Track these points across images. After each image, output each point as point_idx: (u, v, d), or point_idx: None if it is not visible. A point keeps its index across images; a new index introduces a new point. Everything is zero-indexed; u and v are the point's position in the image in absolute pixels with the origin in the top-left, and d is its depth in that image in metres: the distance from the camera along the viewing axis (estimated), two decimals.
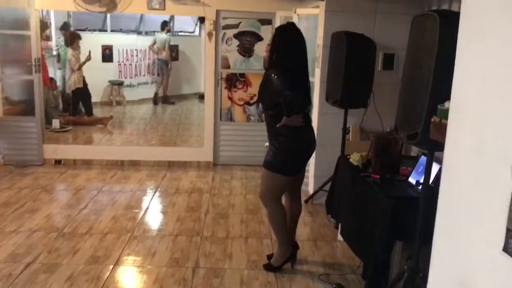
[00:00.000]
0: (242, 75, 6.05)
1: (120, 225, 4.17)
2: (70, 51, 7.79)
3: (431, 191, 2.67)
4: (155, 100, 10.28)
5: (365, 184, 3.28)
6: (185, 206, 4.69)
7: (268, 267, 3.45)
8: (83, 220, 4.24)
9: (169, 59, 10.31)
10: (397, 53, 4.72)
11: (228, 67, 6.00)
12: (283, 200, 3.49)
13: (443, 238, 1.78)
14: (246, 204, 4.81)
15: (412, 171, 3.37)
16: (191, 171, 5.93)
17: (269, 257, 3.58)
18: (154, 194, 5.02)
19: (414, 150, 4.11)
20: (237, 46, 5.96)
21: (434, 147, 2.39)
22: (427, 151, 2.55)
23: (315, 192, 4.85)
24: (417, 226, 2.63)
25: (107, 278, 3.29)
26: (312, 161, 4.95)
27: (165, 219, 4.36)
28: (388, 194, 2.96)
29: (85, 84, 8.02)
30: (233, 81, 6.06)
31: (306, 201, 4.91)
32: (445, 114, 2.11)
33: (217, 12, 5.79)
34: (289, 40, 3.20)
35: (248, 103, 6.12)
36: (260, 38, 5.96)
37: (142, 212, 4.50)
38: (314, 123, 4.85)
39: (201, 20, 11.56)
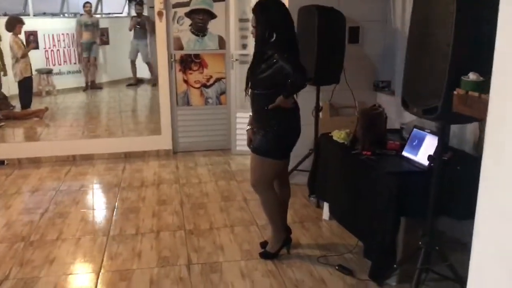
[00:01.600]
0: (197, 56, 5.76)
1: (92, 226, 3.85)
2: (11, 38, 7.07)
3: (445, 165, 2.65)
4: (86, 87, 9.77)
5: (359, 161, 3.22)
6: (156, 199, 4.42)
7: (265, 255, 3.32)
8: (49, 225, 3.85)
9: (95, 43, 9.78)
10: (362, 25, 4.68)
11: (181, 48, 5.69)
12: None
13: (486, 217, 1.72)
14: (220, 192, 4.62)
15: (399, 145, 3.36)
16: (151, 161, 5.62)
17: (263, 244, 3.45)
18: (119, 189, 4.68)
19: (392, 123, 4.10)
20: (189, 26, 5.65)
21: (455, 120, 2.35)
22: (446, 124, 2.49)
23: (289, 172, 4.74)
24: (430, 201, 2.60)
25: (97, 287, 3.00)
26: None
27: (140, 215, 4.07)
28: (390, 171, 2.92)
29: (31, 73, 7.39)
30: (188, 63, 5.76)
31: None
32: (471, 85, 2.06)
33: None
34: (280, 14, 3.02)
35: (205, 85, 5.86)
36: (213, 16, 5.68)
37: (112, 210, 4.17)
38: None
39: None
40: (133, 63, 10.12)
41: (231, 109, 5.88)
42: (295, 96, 3.14)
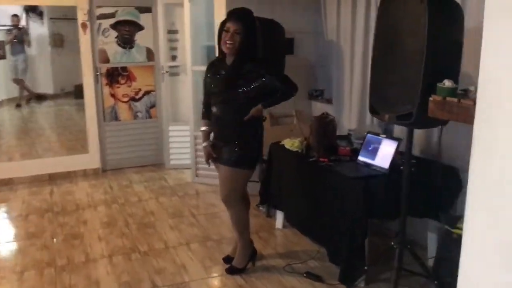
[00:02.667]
0: (125, 68, 5.52)
1: (33, 258, 3.49)
2: None
3: (414, 166, 2.80)
4: None
5: (319, 168, 3.30)
6: (98, 222, 4.14)
7: (232, 271, 3.26)
8: None
9: None
10: (295, 36, 4.81)
11: (108, 61, 5.42)
12: None
13: (476, 215, 1.83)
14: (164, 209, 4.46)
15: (350, 150, 3.50)
16: (79, 181, 5.26)
17: (226, 260, 3.38)
18: (53, 215, 4.31)
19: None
20: (115, 38, 5.41)
21: (427, 125, 2.50)
22: (417, 129, 2.63)
23: None
24: (402, 202, 2.74)
25: None
26: None
27: (85, 240, 3.78)
28: (356, 176, 3.02)
29: None
30: (115, 76, 5.50)
31: None
32: (447, 92, 2.21)
33: (90, 0, 5.15)
34: (256, 26, 3.01)
35: (133, 99, 5.63)
36: (140, 27, 5.49)
37: (52, 238, 3.83)
38: None
39: (29, 9, 10.19)
40: (17, 81, 9.12)
41: (162, 122, 5.72)
42: None
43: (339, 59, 4.40)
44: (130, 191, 4.95)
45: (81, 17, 5.12)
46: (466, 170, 3.10)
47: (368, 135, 3.36)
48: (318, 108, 4.83)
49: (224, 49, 3.00)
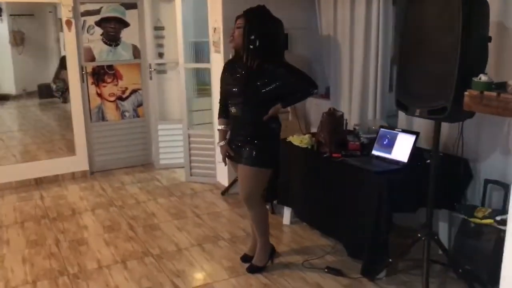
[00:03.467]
0: (111, 67, 5.36)
1: (42, 268, 3.34)
2: None
3: (442, 159, 2.87)
4: None
5: (336, 164, 3.32)
6: (101, 227, 4.01)
7: (253, 269, 3.23)
8: None
9: None
10: (289, 32, 4.80)
11: (93, 59, 5.24)
12: None
13: None
14: (166, 210, 4.37)
15: (359, 145, 3.55)
16: (68, 184, 5.08)
17: (244, 258, 3.36)
18: (50, 221, 4.14)
19: None
20: (100, 35, 5.23)
21: (458, 119, 2.56)
22: (451, 123, 2.68)
23: (234, 181, 4.68)
24: (429, 194, 2.80)
25: None
26: None
27: (92, 246, 3.65)
28: (379, 170, 3.06)
29: None
30: (101, 75, 5.33)
31: (223, 193, 4.72)
32: (484, 86, 2.27)
33: None
34: (274, 24, 2.98)
35: (120, 98, 5.47)
36: (126, 24, 5.34)
37: (56, 245, 3.67)
38: None
39: None
40: None
41: (150, 121, 5.60)
42: None
43: (337, 54, 4.43)
44: (125, 193, 4.82)
45: (66, 14, 4.91)
46: (475, 161, 3.21)
47: (381, 129, 3.42)
48: (314, 104, 4.86)
49: (231, 44, 3.06)
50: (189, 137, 5.05)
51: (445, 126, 3.40)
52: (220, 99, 3.23)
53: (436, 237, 2.85)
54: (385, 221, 2.98)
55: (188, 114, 5.02)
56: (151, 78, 5.45)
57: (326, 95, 4.80)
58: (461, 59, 2.35)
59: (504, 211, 2.99)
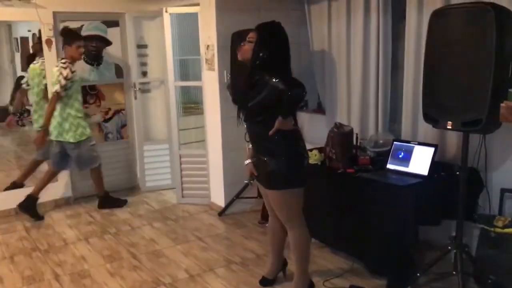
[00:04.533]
0: (93, 87, 5.12)
1: None
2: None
3: (470, 172, 2.88)
4: None
5: (354, 180, 3.28)
6: (100, 256, 3.76)
7: None
8: None
9: None
10: None
11: None
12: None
13: None
14: (166, 234, 4.17)
15: (370, 159, 3.54)
16: (53, 213, 4.78)
17: (264, 282, 3.24)
18: (42, 254, 3.84)
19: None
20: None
21: (490, 130, 2.58)
22: (483, 134, 2.69)
23: (231, 201, 4.55)
24: (459, 206, 2.80)
25: None
26: (219, 169, 4.62)
27: (94, 277, 3.41)
28: (403, 184, 3.04)
29: None
30: (83, 95, 5.06)
31: (220, 214, 4.57)
32: None
33: (54, 14, 4.71)
34: (281, 38, 2.88)
35: (104, 120, 5.23)
36: (108, 43, 5.14)
37: (57, 280, 3.40)
38: (217, 130, 4.54)
39: None
40: None
41: (135, 142, 5.38)
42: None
43: (332, 68, 4.42)
44: (116, 219, 4.58)
45: (46, 33, 4.66)
46: (487, 171, 3.25)
47: (396, 143, 3.42)
48: (307, 119, 4.83)
49: (239, 56, 2.95)
50: (180, 158, 4.87)
51: (452, 137, 3.46)
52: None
53: (466, 249, 2.84)
54: (412, 235, 2.96)
55: (178, 134, 4.86)
56: (136, 98, 5.25)
57: (319, 110, 4.78)
58: (495, 72, 2.37)
59: None
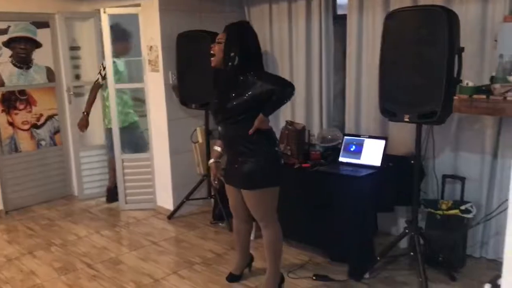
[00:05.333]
0: (23, 92, 4.81)
1: None
2: None
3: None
4: None
5: (312, 174, 3.44)
6: (59, 269, 3.57)
7: None
8: None
9: None
10: None
11: (2, 84, 4.66)
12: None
13: None
14: (118, 241, 4.06)
15: (320, 154, 3.74)
16: None
17: (231, 278, 3.29)
18: None
19: None
20: (9, 57, 4.68)
21: (444, 121, 2.85)
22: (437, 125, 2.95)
23: (181, 204, 4.52)
24: (413, 192, 3.06)
25: None
26: (165, 172, 4.57)
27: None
28: (362, 175, 3.25)
29: None
30: (12, 101, 4.75)
31: (170, 217, 4.52)
32: (472, 90, 2.60)
33: None
34: (255, 41, 2.93)
35: (35, 126, 4.93)
36: (38, 45, 4.85)
37: None
38: (163, 132, 4.49)
39: None
40: None
41: (70, 149, 5.14)
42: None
43: (275, 70, 4.55)
44: (59, 229, 4.35)
45: None
46: (428, 159, 3.56)
47: (346, 137, 3.63)
48: None
49: (212, 59, 2.93)
50: (122, 162, 4.74)
51: (393, 130, 3.75)
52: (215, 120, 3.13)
53: (422, 231, 3.11)
54: (372, 222, 3.18)
55: (120, 138, 4.73)
56: (70, 102, 5.02)
57: None
58: (448, 69, 2.64)
59: (463, 201, 3.39)
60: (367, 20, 3.83)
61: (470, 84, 2.61)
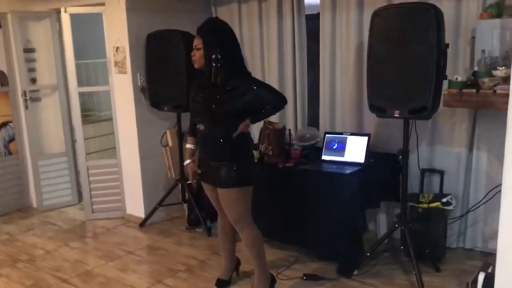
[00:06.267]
0: None
1: None
2: None
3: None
4: None
5: (298, 173, 3.41)
6: (30, 286, 3.30)
7: None
8: None
9: None
10: None
11: None
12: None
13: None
14: (91, 253, 3.84)
15: (300, 153, 3.73)
16: None
17: (220, 284, 3.19)
18: None
19: None
20: None
21: (431, 116, 2.90)
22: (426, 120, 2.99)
23: (154, 210, 4.34)
24: (402, 187, 3.11)
25: None
26: (135, 179, 4.38)
27: None
28: (349, 172, 3.26)
29: None
30: None
31: (142, 225, 4.34)
32: (461, 85, 2.68)
33: None
34: (233, 35, 2.87)
35: None
36: None
37: None
38: (133, 136, 4.31)
39: None
40: None
41: (27, 158, 4.82)
42: None
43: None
44: (22, 244, 4.05)
45: None
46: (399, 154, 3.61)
47: (328, 135, 3.64)
48: None
49: (195, 65, 2.86)
50: (88, 170, 4.50)
51: (370, 126, 3.81)
52: (190, 118, 3.04)
53: (410, 225, 3.16)
54: (361, 218, 3.19)
55: (84, 144, 4.48)
56: (27, 108, 4.69)
57: None
58: (437, 64, 2.70)
59: (443, 194, 3.49)
60: (340, 17, 3.86)
61: (460, 78, 2.68)
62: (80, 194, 5.03)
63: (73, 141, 4.94)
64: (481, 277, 2.63)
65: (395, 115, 2.88)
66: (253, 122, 2.90)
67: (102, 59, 4.54)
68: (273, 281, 3.11)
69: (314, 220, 3.33)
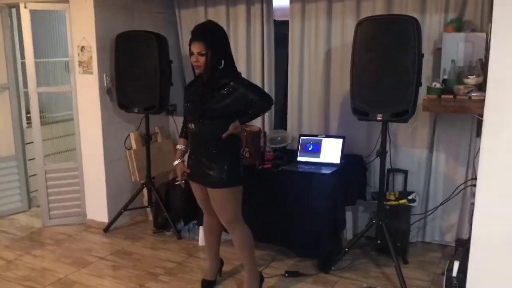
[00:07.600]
0: None
1: None
2: None
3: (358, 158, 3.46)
4: None
5: (277, 174, 3.52)
6: None
7: None
8: None
9: None
10: None
11: None
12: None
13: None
14: (58, 260, 3.66)
15: (274, 155, 3.86)
16: None
17: (207, 285, 3.21)
18: None
19: None
20: None
21: (408, 119, 3.14)
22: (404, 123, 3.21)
23: (119, 214, 4.23)
24: (380, 185, 3.33)
25: None
26: (98, 182, 4.24)
27: None
28: (329, 172, 3.42)
29: None
30: None
31: (106, 230, 4.21)
32: (438, 91, 2.97)
33: None
34: (225, 38, 2.91)
35: None
36: None
37: None
38: (97, 139, 4.17)
39: None
40: None
41: None
42: None
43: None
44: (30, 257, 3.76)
45: None
46: (369, 156, 3.89)
47: (302, 137, 3.79)
48: (179, 121, 4.81)
49: (196, 71, 2.88)
50: (45, 174, 4.28)
51: (338, 130, 4.03)
52: (183, 119, 3.04)
53: (386, 220, 3.38)
54: (341, 215, 3.37)
55: (42, 147, 4.26)
56: None
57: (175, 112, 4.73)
58: (418, 72, 2.95)
59: (407, 192, 3.78)
60: (309, 23, 4.04)
61: (438, 85, 2.94)
62: (30, 200, 4.77)
63: (24, 144, 4.68)
64: (456, 265, 2.92)
65: (378, 119, 3.09)
66: (242, 123, 2.94)
67: (58, 58, 4.37)
68: (261, 279, 3.18)
69: (295, 219, 3.44)
